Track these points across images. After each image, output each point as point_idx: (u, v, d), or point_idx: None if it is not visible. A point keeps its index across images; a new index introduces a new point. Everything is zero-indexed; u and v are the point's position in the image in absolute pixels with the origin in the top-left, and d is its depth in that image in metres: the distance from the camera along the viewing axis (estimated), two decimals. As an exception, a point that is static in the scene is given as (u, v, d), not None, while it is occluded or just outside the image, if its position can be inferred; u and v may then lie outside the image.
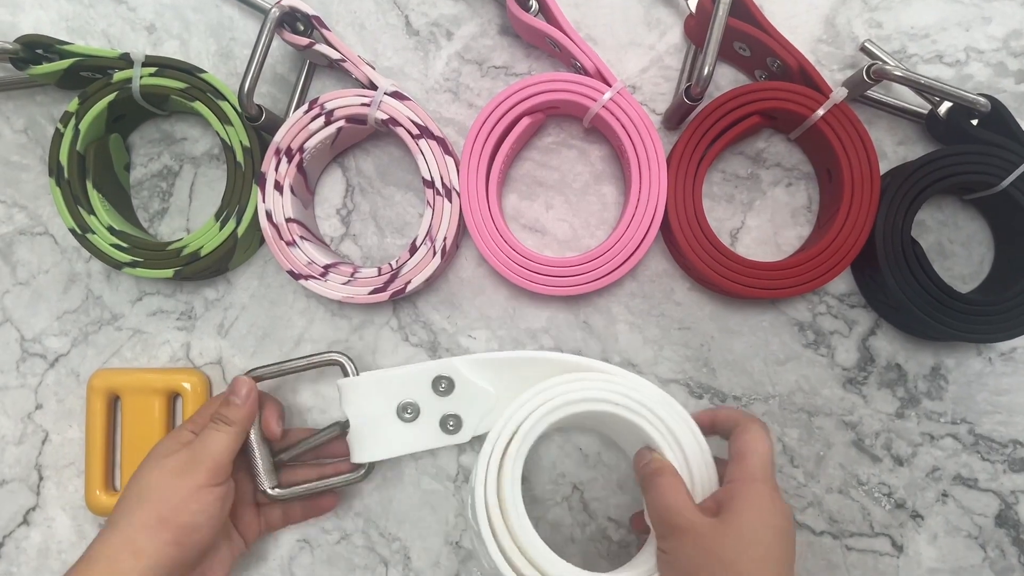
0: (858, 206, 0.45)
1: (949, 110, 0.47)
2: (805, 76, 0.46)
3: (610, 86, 0.45)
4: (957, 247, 0.49)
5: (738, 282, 0.45)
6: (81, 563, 0.38)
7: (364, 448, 0.46)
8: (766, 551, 0.34)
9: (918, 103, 0.48)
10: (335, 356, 0.46)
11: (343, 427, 0.46)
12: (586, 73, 0.46)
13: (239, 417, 0.43)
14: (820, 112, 0.45)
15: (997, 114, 0.46)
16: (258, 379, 0.45)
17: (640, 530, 0.44)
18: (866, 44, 0.48)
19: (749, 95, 0.46)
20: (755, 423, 0.39)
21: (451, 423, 0.46)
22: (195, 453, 0.41)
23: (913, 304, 0.44)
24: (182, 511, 0.39)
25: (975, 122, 0.46)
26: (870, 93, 0.48)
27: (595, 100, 0.45)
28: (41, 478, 0.50)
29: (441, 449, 0.49)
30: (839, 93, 0.45)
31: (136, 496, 0.40)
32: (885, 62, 0.46)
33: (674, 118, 0.48)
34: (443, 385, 0.46)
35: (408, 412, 0.46)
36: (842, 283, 0.49)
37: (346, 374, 0.46)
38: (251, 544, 0.46)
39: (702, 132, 0.46)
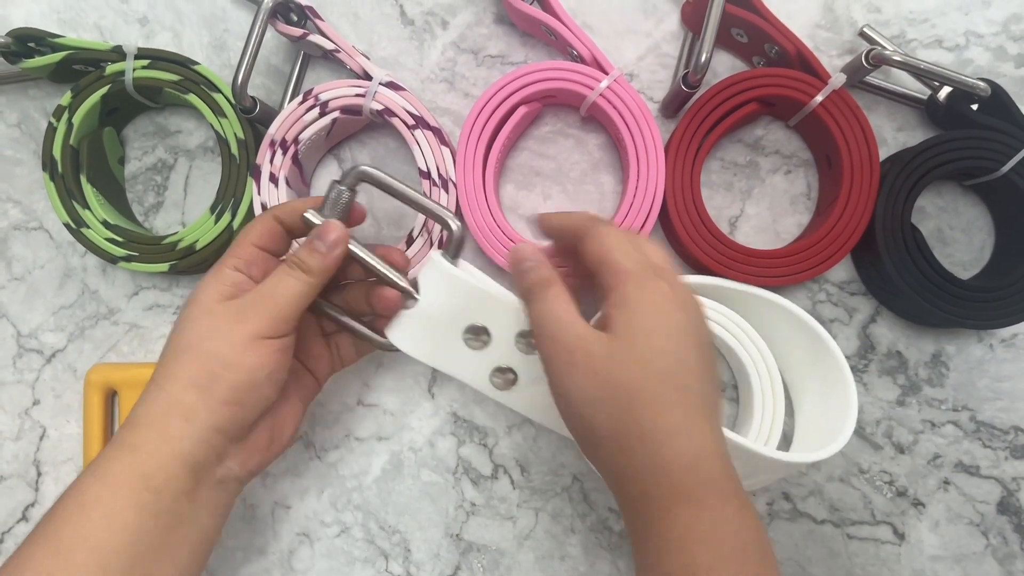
0: (858, 192, 0.45)
1: (949, 95, 0.46)
2: (803, 62, 0.45)
3: (607, 74, 0.44)
4: (957, 233, 0.49)
5: (737, 271, 0.45)
6: (124, 430, 0.34)
7: (406, 334, 0.38)
8: (673, 360, 0.30)
9: (917, 88, 0.48)
10: (448, 218, 0.38)
11: (408, 293, 0.38)
12: (583, 61, 0.45)
13: (321, 267, 0.36)
14: (819, 98, 0.45)
15: (997, 99, 0.45)
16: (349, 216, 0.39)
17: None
18: (865, 29, 0.47)
19: (747, 82, 0.45)
20: (604, 225, 0.33)
21: (506, 377, 0.37)
22: (259, 299, 0.35)
23: (913, 291, 0.44)
24: (238, 367, 0.34)
25: (975, 107, 0.46)
26: (869, 79, 0.47)
27: (592, 88, 0.45)
28: (40, 474, 0.50)
29: (440, 440, 0.49)
30: (837, 79, 0.44)
31: (183, 348, 0.34)
32: (884, 47, 0.45)
33: (671, 106, 0.47)
34: (531, 339, 0.36)
35: (475, 338, 0.37)
36: (842, 271, 0.48)
37: (446, 248, 0.38)
38: (324, 382, 0.41)
39: (700, 119, 0.46)
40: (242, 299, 0.35)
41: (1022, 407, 0.47)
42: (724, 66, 0.49)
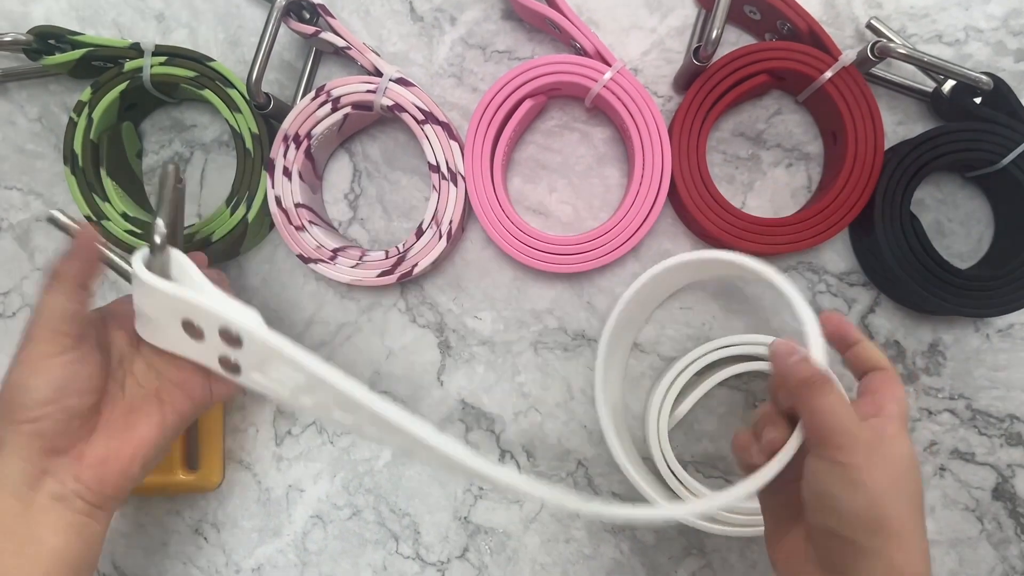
0: (860, 166, 0.46)
1: (953, 88, 0.47)
2: (815, 39, 0.46)
3: (610, 66, 0.46)
4: (956, 226, 0.49)
5: (744, 239, 0.46)
6: None
7: (143, 326, 0.40)
8: (915, 489, 0.33)
9: (920, 81, 0.49)
10: (170, 168, 0.39)
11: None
12: (586, 55, 0.46)
13: (67, 271, 0.36)
14: (828, 74, 0.45)
15: (999, 92, 0.46)
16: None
17: (744, 449, 0.37)
18: (871, 22, 0.48)
19: (758, 53, 0.46)
20: (895, 374, 0.36)
21: (231, 365, 0.38)
22: (32, 320, 0.36)
23: (911, 278, 0.45)
24: (26, 387, 0.35)
25: (978, 100, 0.47)
26: (874, 71, 0.48)
27: (596, 80, 0.46)
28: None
29: (449, 427, 0.50)
30: (848, 56, 0.45)
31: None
32: (890, 39, 0.46)
33: (682, 80, 0.48)
34: (232, 335, 0.37)
35: (192, 331, 0.38)
36: (842, 261, 0.49)
37: (151, 245, 0.37)
38: (202, 400, 0.41)
39: (709, 88, 0.47)
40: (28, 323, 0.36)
41: (1017, 396, 0.48)
42: (735, 43, 0.50)
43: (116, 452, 0.37)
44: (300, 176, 0.47)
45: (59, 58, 0.48)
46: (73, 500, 0.36)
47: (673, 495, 0.46)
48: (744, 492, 0.34)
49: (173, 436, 0.40)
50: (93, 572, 0.37)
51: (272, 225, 0.51)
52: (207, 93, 0.48)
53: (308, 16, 0.48)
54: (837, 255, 0.49)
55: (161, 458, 0.40)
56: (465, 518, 0.50)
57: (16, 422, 0.34)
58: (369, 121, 0.50)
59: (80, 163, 0.48)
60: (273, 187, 0.47)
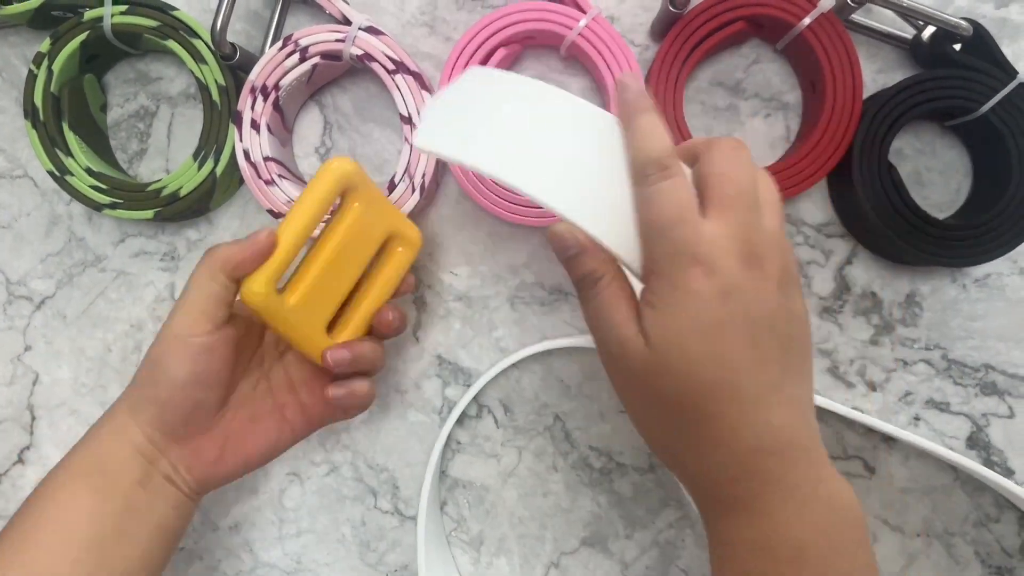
0: (839, 116, 0.45)
1: (932, 35, 0.47)
2: None
3: (585, 13, 0.44)
4: (934, 175, 0.49)
5: None
6: (92, 426, 0.38)
7: None
8: (714, 367, 0.27)
9: (900, 29, 0.48)
10: None
11: None
12: (561, 2, 0.45)
13: (232, 259, 0.36)
14: (807, 20, 0.45)
15: (979, 39, 0.46)
16: None
17: None
18: (850, -33, 0.47)
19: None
20: (723, 142, 0.31)
21: None
22: (178, 299, 0.37)
23: (889, 229, 0.45)
24: (164, 367, 0.36)
25: (958, 47, 0.46)
26: (854, 17, 0.47)
27: (570, 28, 0.45)
28: (34, 418, 0.51)
29: (425, 382, 0.50)
30: (827, 2, 0.44)
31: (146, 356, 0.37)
32: (869, -15, 0.45)
33: (659, 28, 0.47)
34: None
35: None
36: (819, 212, 0.49)
37: None
38: (300, 431, 0.41)
39: (686, 36, 0.46)
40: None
41: (993, 345, 0.49)
42: None
43: (228, 456, 0.39)
44: (269, 129, 0.46)
45: (17, 8, 0.46)
46: (180, 484, 0.38)
47: None
48: None
49: (277, 455, 0.42)
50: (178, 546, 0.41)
51: (242, 180, 0.50)
52: (171, 44, 0.46)
53: (274, -38, 0.47)
54: (815, 206, 0.49)
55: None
56: (443, 472, 0.50)
57: (148, 398, 0.37)
58: (339, 72, 0.49)
59: (41, 116, 0.46)
60: (241, 140, 0.46)
